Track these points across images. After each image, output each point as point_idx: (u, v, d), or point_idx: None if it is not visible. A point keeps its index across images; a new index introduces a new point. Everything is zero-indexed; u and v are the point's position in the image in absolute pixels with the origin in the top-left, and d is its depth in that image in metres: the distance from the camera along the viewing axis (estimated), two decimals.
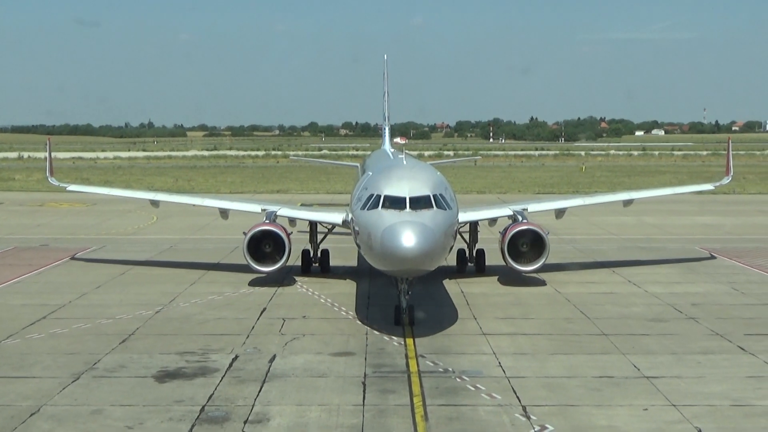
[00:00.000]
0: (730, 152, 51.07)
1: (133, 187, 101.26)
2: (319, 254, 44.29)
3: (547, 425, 21.98)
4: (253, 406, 23.50)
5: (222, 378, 26.06)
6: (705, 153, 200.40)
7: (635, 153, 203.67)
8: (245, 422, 22.26)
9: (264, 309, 35.74)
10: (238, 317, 34.40)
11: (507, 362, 27.74)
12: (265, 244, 39.09)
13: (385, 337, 30.71)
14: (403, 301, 31.39)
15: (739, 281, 42.10)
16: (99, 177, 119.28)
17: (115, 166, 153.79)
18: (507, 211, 43.10)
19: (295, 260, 43.23)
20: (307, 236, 45.14)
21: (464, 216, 39.86)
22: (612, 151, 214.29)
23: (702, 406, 23.43)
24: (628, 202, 47.95)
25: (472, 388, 25.01)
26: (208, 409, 23.20)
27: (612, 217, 66.08)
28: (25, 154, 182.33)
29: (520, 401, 23.84)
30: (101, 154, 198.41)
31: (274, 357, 28.42)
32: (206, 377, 26.14)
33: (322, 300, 37.70)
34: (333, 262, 44.60)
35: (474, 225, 44.41)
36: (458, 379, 25.88)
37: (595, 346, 29.95)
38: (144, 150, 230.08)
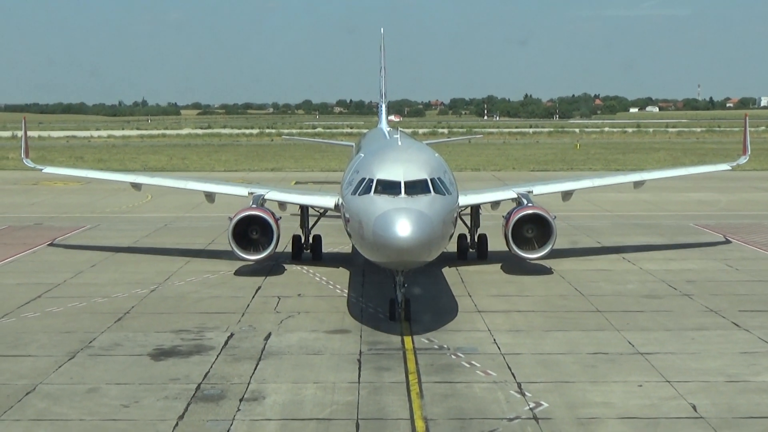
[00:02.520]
0: (747, 130, 49.08)
1: (127, 166, 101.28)
2: (310, 240, 42.02)
3: (542, 402, 22.02)
4: (248, 383, 23.52)
5: (217, 356, 26.06)
6: (699, 130, 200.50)
7: (629, 130, 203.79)
8: (241, 400, 22.28)
9: (259, 287, 35.72)
10: (233, 295, 34.38)
11: (502, 339, 27.77)
12: (251, 230, 36.78)
13: (381, 315, 30.72)
14: (398, 294, 29.13)
15: (734, 258, 42.16)
16: (93, 155, 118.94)
17: (109, 144, 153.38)
18: (511, 193, 40.74)
19: (285, 246, 41.56)
20: (299, 220, 42.75)
21: (465, 199, 37.88)
22: (606, 128, 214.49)
23: (696, 382, 23.49)
24: (639, 183, 45.58)
25: (467, 365, 25.04)
26: (204, 387, 23.22)
27: (606, 193, 65.98)
28: (19, 133, 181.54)
29: (515, 378, 23.88)
30: (95, 133, 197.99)
31: (269, 335, 28.42)
32: (202, 355, 26.15)
33: (317, 278, 37.68)
34: (326, 247, 42.70)
35: (476, 208, 42.19)
36: (453, 356, 25.91)
37: (590, 322, 30.00)
38: (138, 129, 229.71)
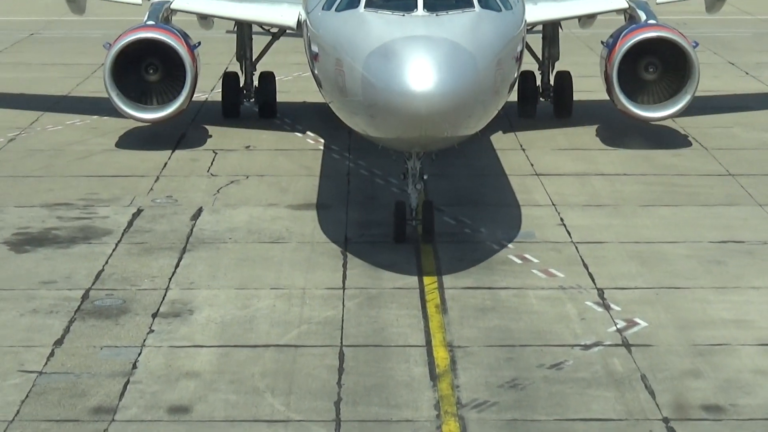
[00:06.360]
0: None
1: None
2: (256, 82, 39.47)
3: (638, 320, 22.12)
4: (166, 289, 23.65)
5: (117, 245, 26.19)
6: None
7: None
8: (154, 316, 22.31)
9: (183, 135, 35.67)
10: (141, 148, 34.45)
11: (574, 219, 27.95)
12: (147, 67, 34.85)
13: (377, 179, 30.65)
14: (411, 195, 25.70)
15: None
16: None
17: None
18: (619, 1, 37.85)
19: (212, 91, 40.58)
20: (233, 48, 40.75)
21: (535, 12, 34.22)
22: None
23: None
24: None
25: (518, 261, 25.17)
26: (95, 296, 23.27)
27: None
28: None
29: (594, 282, 24.02)
30: None
31: (199, 211, 28.55)
32: (91, 244, 26.27)
33: (277, 121, 37.46)
34: (283, 94, 39.90)
35: (553, 28, 39.19)
36: (495, 246, 25.94)
37: (717, 192, 30.26)
38: None
